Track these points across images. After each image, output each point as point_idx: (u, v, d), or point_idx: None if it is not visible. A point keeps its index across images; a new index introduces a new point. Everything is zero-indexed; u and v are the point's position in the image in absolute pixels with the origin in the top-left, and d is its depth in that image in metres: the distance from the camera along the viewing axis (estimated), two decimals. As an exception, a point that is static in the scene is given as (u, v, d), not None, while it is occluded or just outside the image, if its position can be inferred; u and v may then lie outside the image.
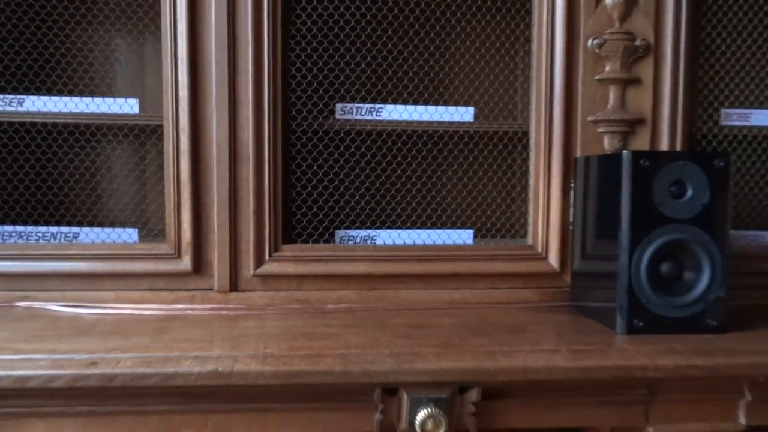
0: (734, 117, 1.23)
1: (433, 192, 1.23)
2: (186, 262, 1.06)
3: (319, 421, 0.81)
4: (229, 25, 1.05)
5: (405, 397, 0.79)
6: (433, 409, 0.77)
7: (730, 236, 0.93)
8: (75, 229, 1.12)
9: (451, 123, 1.16)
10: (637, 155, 0.90)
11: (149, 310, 1.05)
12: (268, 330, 0.93)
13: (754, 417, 0.86)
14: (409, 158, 1.21)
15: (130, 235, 1.11)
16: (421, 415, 0.76)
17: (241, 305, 1.07)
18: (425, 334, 0.90)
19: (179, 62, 1.05)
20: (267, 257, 1.08)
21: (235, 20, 1.05)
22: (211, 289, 1.08)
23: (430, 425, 0.76)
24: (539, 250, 1.13)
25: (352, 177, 1.19)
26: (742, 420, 0.86)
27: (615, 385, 0.84)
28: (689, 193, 0.90)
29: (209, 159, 1.07)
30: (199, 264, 1.08)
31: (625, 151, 0.91)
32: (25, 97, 1.08)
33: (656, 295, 0.90)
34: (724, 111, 1.23)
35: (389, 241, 1.16)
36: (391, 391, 0.79)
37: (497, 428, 0.84)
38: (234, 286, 1.08)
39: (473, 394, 0.80)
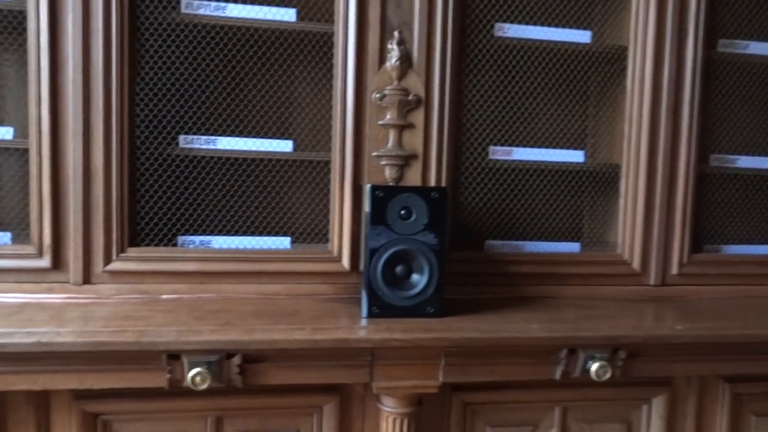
0: (499, 153, 1.60)
1: (258, 206, 1.54)
2: (46, 260, 1.34)
3: (125, 379, 1.12)
4: (84, 72, 1.33)
5: (185, 360, 1.10)
6: (202, 368, 1.08)
7: (447, 247, 1.28)
8: (-44, 232, 1.38)
9: (273, 152, 1.48)
10: (374, 188, 1.23)
11: (13, 298, 1.32)
12: (102, 313, 1.23)
13: (449, 376, 1.21)
14: (240, 179, 1.52)
15: (1, 237, 1.37)
16: (192, 372, 1.08)
17: (91, 295, 1.36)
18: (218, 317, 1.22)
19: (42, 102, 1.32)
20: (114, 257, 1.37)
21: (89, 69, 1.33)
22: (68, 282, 1.36)
23: (198, 379, 1.08)
24: (335, 254, 1.45)
25: (187, 193, 1.47)
26: (441, 378, 1.21)
27: (346, 353, 1.17)
28: (414, 216, 1.25)
29: (67, 179, 1.34)
30: (58, 262, 1.35)
31: (367, 185, 1.24)
32: None
33: (389, 289, 1.25)
34: (491, 148, 1.59)
35: (223, 245, 1.47)
36: (175, 356, 1.10)
37: (261, 384, 1.16)
38: (87, 279, 1.37)
39: (237, 359, 1.12)
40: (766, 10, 1.77)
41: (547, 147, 1.66)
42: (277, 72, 1.56)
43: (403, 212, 1.24)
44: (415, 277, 1.26)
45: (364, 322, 1.24)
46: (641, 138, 1.57)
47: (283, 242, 1.49)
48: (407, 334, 1.16)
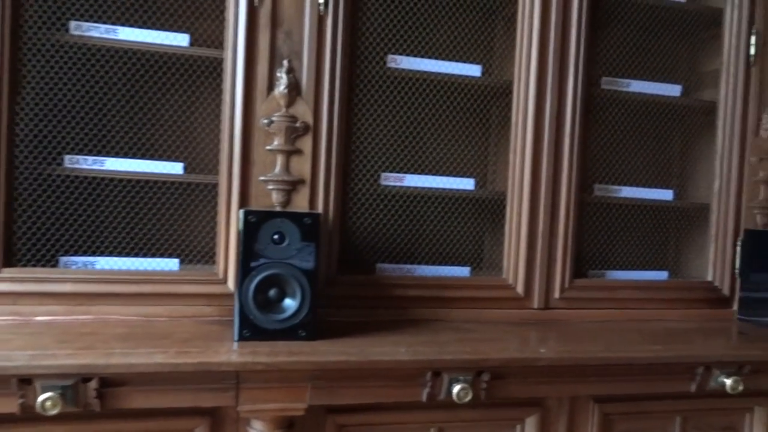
0: (391, 179, 1.65)
1: (143, 227, 1.54)
2: None
3: (-24, 404, 1.09)
4: (-40, 90, 1.31)
5: (38, 385, 1.09)
6: (53, 393, 1.07)
7: (320, 271, 1.31)
8: None
9: (162, 174, 1.49)
10: (247, 213, 1.26)
11: None
12: (-38, 336, 1.20)
13: (316, 399, 1.23)
14: (129, 201, 1.52)
15: None
16: (42, 397, 1.06)
17: (-40, 317, 1.33)
18: (83, 340, 1.21)
19: None
20: (-14, 278, 1.34)
21: (-34, 87, 1.32)
22: (-66, 304, 1.32)
23: (48, 404, 1.07)
24: (221, 276, 1.46)
25: (68, 214, 1.46)
26: (308, 401, 1.23)
27: (211, 376, 1.18)
28: (287, 241, 1.28)
29: (-63, 198, 1.32)
30: (-75, 283, 1.32)
31: (241, 210, 1.27)
32: None
33: (261, 312, 1.26)
34: (383, 174, 1.64)
35: (107, 267, 1.45)
36: (27, 381, 1.09)
37: (123, 408, 1.15)
38: (-44, 301, 1.33)
39: (94, 383, 1.11)
40: (646, 52, 1.90)
41: (440, 175, 1.72)
42: (164, 95, 1.57)
43: (276, 237, 1.27)
44: (287, 301, 1.29)
45: (235, 345, 1.25)
46: (525, 168, 1.65)
47: (171, 264, 1.49)
48: (272, 357, 1.18)
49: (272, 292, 1.28)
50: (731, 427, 1.62)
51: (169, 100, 1.57)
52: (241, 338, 1.26)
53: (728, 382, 1.42)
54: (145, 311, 1.42)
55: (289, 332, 1.28)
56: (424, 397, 1.28)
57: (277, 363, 1.18)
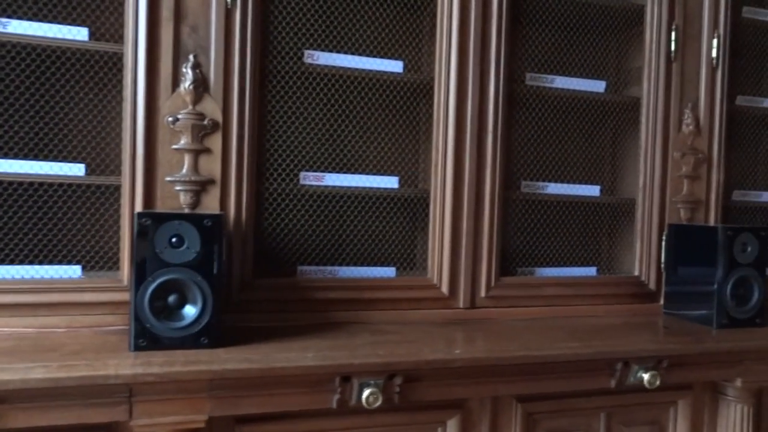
0: (310, 178, 1.60)
1: (38, 232, 1.44)
2: None
3: None
4: None
5: None
6: None
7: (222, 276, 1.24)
8: None
9: (62, 176, 1.40)
10: (141, 216, 1.19)
11: None
12: None
13: (217, 409, 1.17)
14: (19, 205, 1.41)
15: None
16: None
17: None
18: (-41, 356, 1.12)
19: None
20: None
21: None
22: None
23: None
24: (125, 283, 1.38)
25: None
26: (209, 412, 1.17)
27: (100, 390, 1.10)
28: (186, 244, 1.21)
29: None
30: None
31: (136, 212, 1.20)
32: None
33: (158, 320, 1.20)
34: (302, 173, 1.59)
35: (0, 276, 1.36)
36: None
37: (1, 428, 1.07)
38: None
39: (-37, 403, 1.03)
40: (576, 48, 1.90)
41: (365, 173, 1.67)
42: (59, 92, 1.47)
43: (174, 240, 1.20)
44: (188, 307, 1.22)
45: (130, 356, 1.17)
46: (447, 165, 1.62)
47: (72, 271, 1.41)
48: (165, 368, 1.12)
49: (171, 299, 1.21)
50: (656, 422, 1.62)
51: (64, 98, 1.47)
52: (138, 348, 1.19)
53: (646, 376, 1.42)
54: (42, 322, 1.33)
55: (190, 340, 1.21)
56: (334, 404, 1.23)
57: (170, 373, 1.11)
